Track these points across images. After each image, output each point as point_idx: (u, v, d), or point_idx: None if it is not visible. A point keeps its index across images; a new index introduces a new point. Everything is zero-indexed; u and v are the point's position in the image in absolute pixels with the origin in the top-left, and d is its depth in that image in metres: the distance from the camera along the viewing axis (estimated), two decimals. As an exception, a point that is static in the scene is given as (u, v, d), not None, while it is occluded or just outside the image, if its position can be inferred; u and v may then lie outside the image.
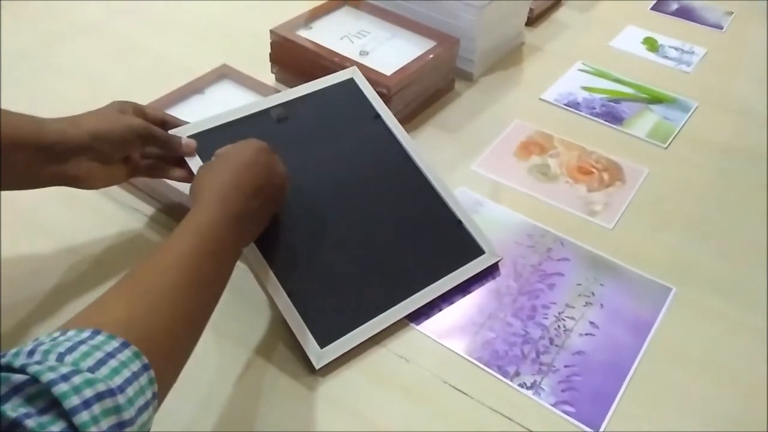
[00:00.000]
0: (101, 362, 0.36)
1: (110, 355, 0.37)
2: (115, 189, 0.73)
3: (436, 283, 0.64)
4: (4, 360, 0.35)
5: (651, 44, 1.06)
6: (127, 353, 0.38)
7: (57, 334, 0.38)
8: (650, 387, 0.59)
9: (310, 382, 0.57)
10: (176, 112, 0.76)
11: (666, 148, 0.86)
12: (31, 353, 0.36)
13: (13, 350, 0.36)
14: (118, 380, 0.36)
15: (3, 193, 0.67)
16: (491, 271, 0.67)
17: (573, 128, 0.87)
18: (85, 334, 0.38)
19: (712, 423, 0.57)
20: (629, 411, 0.57)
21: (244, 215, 0.53)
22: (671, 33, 1.08)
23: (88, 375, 0.35)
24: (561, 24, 1.09)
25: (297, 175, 0.64)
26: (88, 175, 0.59)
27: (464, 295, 0.65)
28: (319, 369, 0.57)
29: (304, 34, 0.87)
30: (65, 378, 0.34)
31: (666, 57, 1.04)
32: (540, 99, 0.93)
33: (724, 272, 0.70)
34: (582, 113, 0.90)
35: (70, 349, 0.36)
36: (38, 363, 0.34)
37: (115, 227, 0.70)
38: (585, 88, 0.95)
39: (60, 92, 0.87)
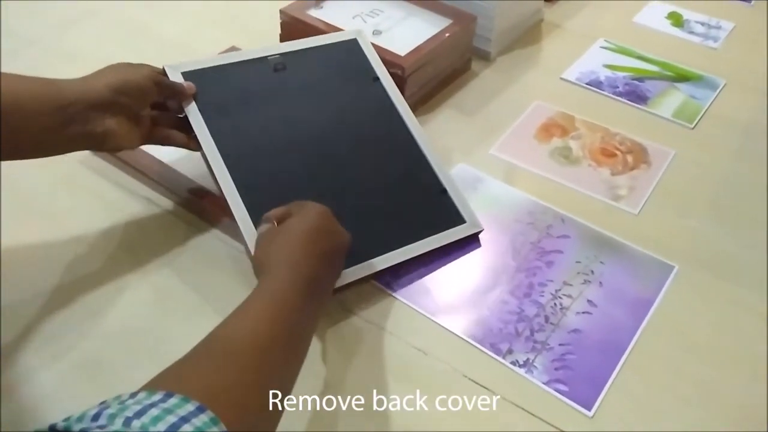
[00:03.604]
0: (174, 427, 0.33)
1: (184, 420, 0.34)
2: (123, 176, 0.71)
3: (408, 246, 0.63)
4: (62, 424, 0.32)
5: (676, 19, 1.02)
6: (203, 418, 0.35)
7: (125, 396, 0.36)
8: (646, 367, 0.57)
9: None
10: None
11: (693, 128, 0.83)
12: (96, 417, 0.33)
13: (77, 414, 0.34)
14: None
15: (5, 180, 0.66)
16: (488, 249, 0.66)
17: (595, 109, 0.84)
18: (157, 397, 0.35)
19: (709, 405, 0.55)
20: (624, 391, 0.56)
21: (313, 279, 0.51)
22: (697, 7, 1.04)
23: None
24: (581, -1, 1.05)
25: (286, 126, 0.66)
26: (113, 133, 0.57)
27: (460, 273, 0.64)
28: None
29: (314, 13, 0.85)
30: None
31: (692, 32, 0.99)
32: (561, 78, 0.89)
33: (748, 259, 0.67)
34: (605, 93, 0.87)
35: (139, 413, 0.33)
36: (101, 427, 0.31)
37: (123, 216, 0.68)
38: (607, 67, 0.91)
39: (69, 77, 0.85)
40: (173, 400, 0.35)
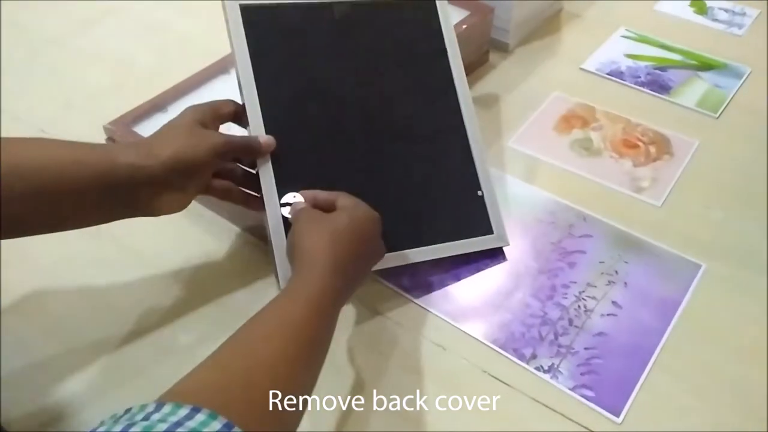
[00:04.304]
0: None
1: None
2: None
3: (429, 247, 0.61)
4: None
5: (699, 6, 1.00)
6: None
7: (151, 408, 0.35)
8: (676, 371, 0.56)
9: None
10: (202, 92, 0.75)
11: (717, 117, 0.81)
12: None
13: (102, 429, 0.33)
14: None
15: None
16: (509, 251, 0.64)
17: (617, 99, 0.83)
18: (183, 413, 0.34)
19: (741, 411, 0.53)
20: (653, 396, 0.54)
21: (351, 286, 0.52)
22: (721, -6, 1.02)
23: None
24: (601, -12, 1.03)
25: (336, 94, 0.62)
26: (158, 207, 0.53)
27: (481, 276, 0.63)
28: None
29: (331, 8, 0.84)
30: None
31: (715, 20, 0.97)
32: (580, 69, 0.88)
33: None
34: (626, 83, 0.86)
35: None
36: None
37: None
38: (629, 56, 0.90)
39: (89, 76, 0.86)
40: (200, 417, 0.35)
